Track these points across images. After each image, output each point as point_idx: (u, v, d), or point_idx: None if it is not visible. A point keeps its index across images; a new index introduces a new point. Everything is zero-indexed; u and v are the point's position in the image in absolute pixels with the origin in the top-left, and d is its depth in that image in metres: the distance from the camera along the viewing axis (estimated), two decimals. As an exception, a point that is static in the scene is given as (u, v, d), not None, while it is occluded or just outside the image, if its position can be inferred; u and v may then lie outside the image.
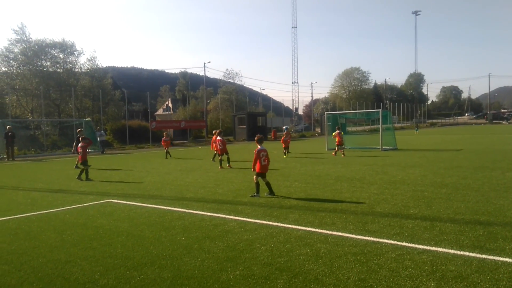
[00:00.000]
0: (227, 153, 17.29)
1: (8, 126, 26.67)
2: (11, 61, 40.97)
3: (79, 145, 14.81)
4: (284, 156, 20.91)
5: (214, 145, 19.27)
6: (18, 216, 8.67)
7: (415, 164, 16.14)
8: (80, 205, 9.65)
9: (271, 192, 10.06)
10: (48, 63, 43.13)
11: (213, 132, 19.23)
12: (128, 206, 9.34)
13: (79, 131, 19.35)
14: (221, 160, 17.13)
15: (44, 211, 9.09)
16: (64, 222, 7.95)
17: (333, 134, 24.80)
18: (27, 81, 40.34)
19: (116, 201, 10.04)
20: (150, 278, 4.82)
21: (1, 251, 6.11)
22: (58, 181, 14.55)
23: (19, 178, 15.88)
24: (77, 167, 18.44)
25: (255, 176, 10.13)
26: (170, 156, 23.75)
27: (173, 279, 4.76)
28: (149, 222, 7.66)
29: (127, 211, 8.72)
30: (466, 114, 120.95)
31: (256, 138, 10.54)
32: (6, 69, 40.83)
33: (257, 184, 10.04)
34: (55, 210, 9.21)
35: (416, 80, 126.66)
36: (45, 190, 12.45)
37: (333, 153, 21.86)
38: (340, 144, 21.43)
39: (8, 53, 40.60)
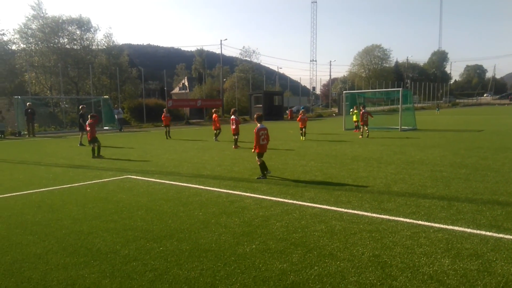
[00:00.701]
0: (238, 134, 16.96)
1: (28, 103, 27.24)
2: (29, 38, 41.35)
3: (88, 122, 14.67)
4: (302, 139, 19.32)
5: (214, 124, 19.80)
6: (41, 190, 8.97)
7: (435, 145, 15.94)
8: (100, 180, 9.91)
9: (265, 170, 9.65)
10: (66, 40, 43.47)
11: (230, 111, 19.15)
12: (146, 182, 9.55)
13: (81, 107, 19.81)
14: (235, 140, 16.88)
15: (66, 186, 9.37)
16: (85, 196, 8.21)
17: (351, 111, 24.66)
18: (45, 58, 40.83)
19: (134, 177, 10.25)
20: (170, 249, 4.98)
21: (26, 222, 6.36)
22: (78, 157, 14.90)
23: (41, 154, 16.33)
24: (81, 144, 18.98)
25: (257, 158, 9.76)
26: (169, 137, 22.36)
27: (191, 251, 4.91)
28: (167, 197, 7.84)
29: (146, 187, 8.92)
30: (485, 95, 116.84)
31: (255, 116, 10.09)
32: (24, 45, 41.30)
33: (261, 165, 9.68)
34: (76, 184, 9.49)
35: (440, 58, 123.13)
36: (66, 165, 12.78)
37: (360, 136, 20.36)
38: (365, 124, 20.21)
39: (26, 30, 40.92)
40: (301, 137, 19.52)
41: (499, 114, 43.10)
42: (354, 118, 24.50)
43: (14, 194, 8.58)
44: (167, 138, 22.15)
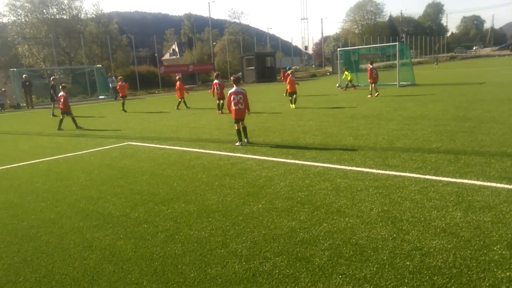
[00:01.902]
0: (223, 99, 15.62)
1: (24, 75, 26.85)
2: (18, 10, 40.82)
3: (61, 94, 14.06)
4: (292, 107, 16.12)
5: (178, 91, 18.77)
6: (47, 159, 9.07)
7: (436, 99, 15.67)
8: (102, 148, 9.95)
9: (240, 138, 9.11)
10: (55, 10, 42.78)
11: (214, 75, 17.14)
12: (147, 148, 9.53)
13: (52, 79, 19.81)
14: (218, 105, 15.97)
15: (70, 154, 9.46)
16: (90, 163, 8.28)
17: (345, 74, 24.22)
18: (36, 29, 40.33)
19: (135, 143, 10.24)
20: (178, 211, 5.02)
21: (36, 190, 6.47)
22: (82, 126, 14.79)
23: (42, 125, 16.26)
24: (53, 115, 19.00)
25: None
26: (187, 106, 19.36)
27: (199, 212, 4.95)
28: (170, 162, 7.84)
29: (147, 152, 8.91)
30: (475, 47, 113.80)
31: (232, 78, 9.44)
32: (14, 18, 40.81)
33: (237, 131, 9.17)
34: (80, 152, 9.57)
35: (435, 10, 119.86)
36: (68, 135, 12.81)
37: (368, 95, 18.71)
38: (374, 81, 18.56)
39: (14, 1, 40.23)
40: (291, 104, 16.33)
41: (499, 66, 41.82)
42: (349, 78, 24.14)
43: (21, 164, 8.69)
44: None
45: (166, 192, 5.87)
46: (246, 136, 9.21)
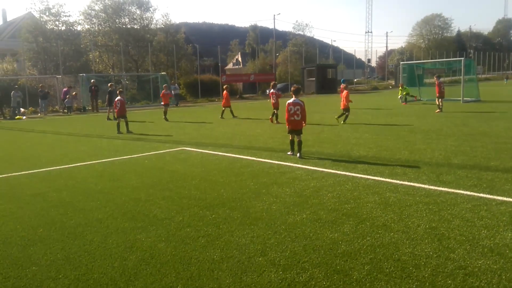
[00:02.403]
0: (277, 109, 15.62)
1: (92, 80, 28.74)
2: (93, 19, 43.53)
3: (118, 98, 14.51)
4: (342, 123, 14.64)
5: (224, 100, 18.93)
6: (103, 160, 9.52)
7: (500, 117, 14.94)
8: (157, 152, 10.31)
9: (296, 152, 8.78)
10: (126, 20, 45.15)
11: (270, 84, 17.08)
12: (200, 153, 9.80)
13: (110, 85, 21.07)
14: (274, 114, 15.74)
15: (125, 157, 9.85)
16: (143, 166, 8.60)
17: (400, 89, 23.62)
18: (108, 37, 42.76)
19: (189, 149, 10.56)
20: (222, 217, 5.10)
21: (89, 190, 6.79)
22: (137, 131, 15.46)
23: (103, 128, 17.22)
24: (108, 119, 19.98)
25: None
26: (165, 119, 19.00)
27: (243, 219, 5.00)
28: (220, 168, 8.00)
29: (200, 158, 9.17)
30: None
31: (292, 88, 9.20)
32: (89, 26, 43.53)
33: (291, 141, 8.99)
34: (135, 156, 9.95)
35: (505, 26, 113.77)
36: (126, 138, 13.42)
37: (437, 110, 17.66)
38: (441, 96, 17.84)
39: (90, 11, 43.08)
40: (338, 120, 14.89)
41: None
42: (399, 93, 23.65)
43: (78, 164, 9.12)
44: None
45: (212, 197, 5.99)
46: (299, 151, 8.75)
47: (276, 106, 15.78)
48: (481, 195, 5.59)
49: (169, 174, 7.70)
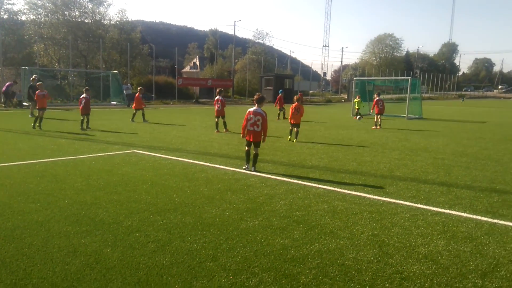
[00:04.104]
0: (223, 116, 15.09)
1: (34, 76, 27.05)
2: (39, 9, 40.74)
3: (83, 95, 15.18)
4: (289, 138, 13.17)
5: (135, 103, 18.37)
6: (45, 160, 8.98)
7: (439, 134, 16.15)
8: (105, 154, 9.97)
9: (247, 161, 8.25)
10: (77, 13, 42.95)
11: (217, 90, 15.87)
12: (152, 157, 9.63)
13: (32, 79, 20.46)
14: (216, 123, 15.18)
15: (70, 157, 9.38)
16: (90, 168, 8.23)
17: (355, 100, 24.60)
18: (55, 30, 40.23)
19: (141, 151, 10.33)
20: (173, 222, 5.07)
21: (28, 191, 6.34)
22: (83, 130, 14.95)
23: (45, 125, 16.33)
24: (32, 115, 19.07)
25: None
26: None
27: (195, 224, 5.00)
28: (173, 173, 7.92)
29: (152, 162, 9.00)
30: (499, 87, 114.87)
31: (255, 96, 8.47)
32: (34, 17, 40.66)
33: (246, 152, 8.34)
34: (81, 156, 9.52)
35: (449, 50, 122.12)
36: (71, 137, 12.83)
37: (373, 127, 18.12)
38: (380, 112, 18.29)
39: (36, 1, 40.43)
40: (290, 137, 13.20)
41: (503, 107, 43.66)
42: (356, 106, 24.55)
43: (17, 163, 8.52)
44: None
45: (164, 202, 5.92)
46: (254, 164, 8.18)
47: (221, 113, 15.05)
48: (419, 205, 6.04)
49: (118, 177, 7.46)
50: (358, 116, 20.71)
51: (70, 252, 4.12)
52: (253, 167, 8.17)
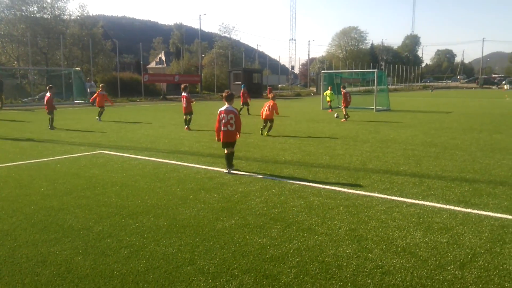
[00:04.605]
0: (191, 113, 14.96)
1: None
2: (-5, 5, 39.26)
3: (47, 94, 15.32)
4: (264, 134, 13.17)
5: (98, 99, 18.22)
6: (7, 164, 8.55)
7: (407, 125, 16.39)
8: (71, 155, 9.57)
9: (228, 165, 7.71)
10: (35, 8, 41.27)
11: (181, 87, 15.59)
12: (121, 157, 9.32)
13: None
14: (185, 120, 14.95)
15: (34, 160, 8.98)
16: (55, 171, 7.89)
17: (326, 92, 24.78)
18: (12, 26, 38.66)
19: (108, 152, 9.99)
20: (146, 225, 4.88)
21: None
22: (47, 131, 14.41)
23: (6, 127, 15.66)
24: None
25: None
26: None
27: (169, 227, 4.84)
28: (143, 173, 7.67)
29: (120, 163, 8.70)
30: (459, 77, 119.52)
31: (223, 94, 8.05)
32: (-10, 12, 39.15)
33: (226, 156, 7.78)
34: (45, 159, 9.12)
35: (412, 42, 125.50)
36: (35, 139, 12.31)
37: (342, 119, 18.15)
38: (347, 105, 18.53)
39: (-10, -5, 38.78)
40: (262, 132, 13.29)
41: (466, 97, 44.82)
42: (328, 99, 24.72)
43: None
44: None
45: (135, 205, 5.71)
46: (230, 164, 7.73)
47: (188, 110, 14.85)
48: (393, 197, 6.07)
49: (86, 180, 7.15)
50: (336, 114, 19.75)
51: (40, 262, 3.92)
52: (228, 169, 7.66)
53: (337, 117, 18.98)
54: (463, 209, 5.50)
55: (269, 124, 13.16)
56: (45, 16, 41.52)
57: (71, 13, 44.32)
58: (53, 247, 4.26)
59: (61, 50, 37.43)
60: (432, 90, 62.59)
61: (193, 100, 15.61)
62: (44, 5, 41.71)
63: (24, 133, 13.79)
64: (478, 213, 5.35)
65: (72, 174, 7.63)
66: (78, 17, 44.04)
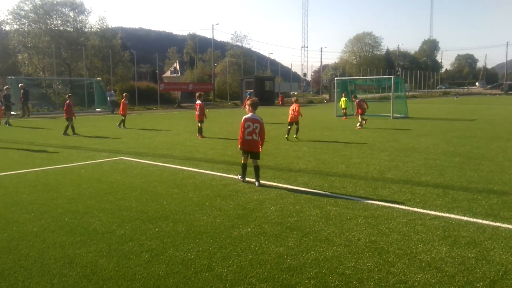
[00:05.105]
0: (202, 121, 14.96)
1: (20, 84, 26.82)
2: (22, 19, 41.28)
3: (67, 102, 15.98)
4: (294, 137, 14.10)
5: (122, 107, 18.55)
6: (36, 169, 8.90)
7: (427, 133, 15.98)
8: (94, 161, 9.85)
9: (243, 174, 7.52)
10: (59, 22, 43.25)
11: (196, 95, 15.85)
12: (140, 163, 9.49)
13: (5, 88, 21.40)
14: (199, 128, 14.91)
15: (60, 166, 9.31)
16: (80, 176, 8.16)
17: (342, 99, 24.60)
18: (38, 39, 40.64)
19: (128, 158, 10.19)
20: (165, 231, 4.97)
21: (21, 201, 6.32)
22: (71, 137, 14.83)
23: (34, 134, 16.17)
24: (9, 124, 19.75)
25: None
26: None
27: (187, 232, 4.90)
28: (161, 179, 7.80)
29: (140, 169, 8.87)
30: (477, 83, 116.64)
31: (249, 102, 7.68)
32: (17, 26, 41.17)
33: (243, 165, 7.54)
34: (70, 165, 9.43)
35: (431, 47, 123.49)
36: (60, 146, 12.69)
37: (358, 127, 18.10)
38: (364, 112, 18.52)
39: (19, 11, 40.66)
40: (289, 135, 14.14)
41: (490, 104, 43.14)
42: (343, 105, 24.56)
43: (8, 173, 8.52)
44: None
45: (155, 210, 5.81)
46: (257, 179, 7.33)
47: (201, 118, 14.97)
48: (415, 209, 5.83)
49: (108, 185, 7.36)
50: (358, 123, 19.21)
51: (67, 263, 4.05)
52: (257, 182, 7.30)
53: (359, 125, 18.41)
54: (491, 223, 5.22)
55: (295, 126, 14.06)
56: (68, 29, 43.19)
57: (92, 26, 45.98)
58: (79, 249, 4.40)
59: (83, 61, 38.62)
60: (457, 96, 60.71)
61: (203, 111, 15.36)
62: (67, 19, 43.43)
63: (50, 140, 14.20)
64: (508, 228, 5.06)
65: (95, 179, 7.86)
66: (98, 30, 45.45)
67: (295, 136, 14.01)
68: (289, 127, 14.14)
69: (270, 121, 21.75)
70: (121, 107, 18.85)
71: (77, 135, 15.35)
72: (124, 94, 19.79)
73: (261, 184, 7.30)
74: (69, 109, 15.73)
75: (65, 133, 15.54)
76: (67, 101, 16.02)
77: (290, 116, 14.11)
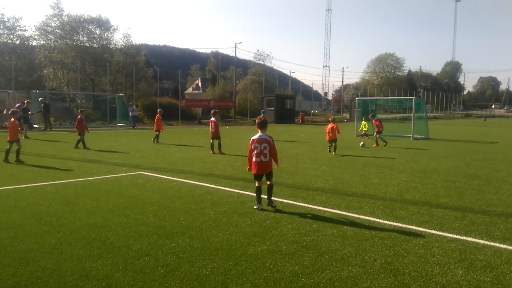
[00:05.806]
0: (218, 138, 15.12)
1: (40, 98, 27.43)
2: (49, 35, 42.63)
3: (79, 116, 16.58)
4: (333, 154, 15.05)
5: (157, 123, 18.88)
6: (56, 182, 9.09)
7: (448, 154, 15.78)
8: (113, 176, 10.02)
9: (258, 200, 6.92)
10: (85, 38, 44.65)
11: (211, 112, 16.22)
12: (159, 179, 9.62)
13: (27, 102, 22.11)
14: (212, 145, 15.14)
15: (80, 179, 9.49)
16: (99, 190, 8.31)
17: (363, 123, 24.44)
18: (64, 54, 41.94)
19: (147, 173, 10.34)
20: (181, 246, 5.02)
21: (41, 213, 6.47)
22: (92, 152, 15.10)
23: (55, 147, 16.56)
24: (26, 137, 20.02)
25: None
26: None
27: (203, 249, 4.94)
28: (179, 195, 7.89)
29: (158, 184, 8.99)
30: (493, 106, 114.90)
31: (256, 121, 7.27)
32: (44, 42, 42.49)
33: (257, 189, 6.98)
34: (90, 178, 9.61)
35: (453, 68, 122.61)
36: (80, 159, 12.94)
37: (373, 145, 18.81)
38: (379, 131, 18.90)
39: (46, 27, 42.11)
40: (330, 151, 15.40)
41: None
42: (364, 129, 24.40)
43: (29, 185, 8.70)
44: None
45: (172, 225, 5.89)
46: (269, 197, 6.97)
47: (215, 135, 15.08)
48: (432, 231, 5.81)
49: (126, 199, 7.48)
50: (361, 143, 19.36)
51: (83, 276, 4.12)
52: (268, 201, 6.95)
53: (363, 146, 18.54)
54: (509, 247, 5.18)
55: (333, 144, 15.28)
56: (93, 45, 44.55)
57: (116, 42, 47.14)
58: (95, 262, 4.47)
59: (107, 76, 39.65)
60: (485, 119, 59.52)
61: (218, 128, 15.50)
62: (94, 36, 44.81)
63: (71, 153, 14.52)
64: (526, 252, 4.99)
65: (114, 193, 7.99)
66: (123, 46, 46.60)
67: (334, 153, 15.06)
68: (329, 145, 15.55)
69: (289, 139, 21.79)
70: (156, 123, 19.18)
71: (87, 149, 15.68)
72: (158, 110, 20.07)
73: (272, 204, 6.92)
74: (81, 124, 16.28)
75: (76, 147, 16.02)
76: (79, 116, 16.63)
77: (329, 135, 15.24)
